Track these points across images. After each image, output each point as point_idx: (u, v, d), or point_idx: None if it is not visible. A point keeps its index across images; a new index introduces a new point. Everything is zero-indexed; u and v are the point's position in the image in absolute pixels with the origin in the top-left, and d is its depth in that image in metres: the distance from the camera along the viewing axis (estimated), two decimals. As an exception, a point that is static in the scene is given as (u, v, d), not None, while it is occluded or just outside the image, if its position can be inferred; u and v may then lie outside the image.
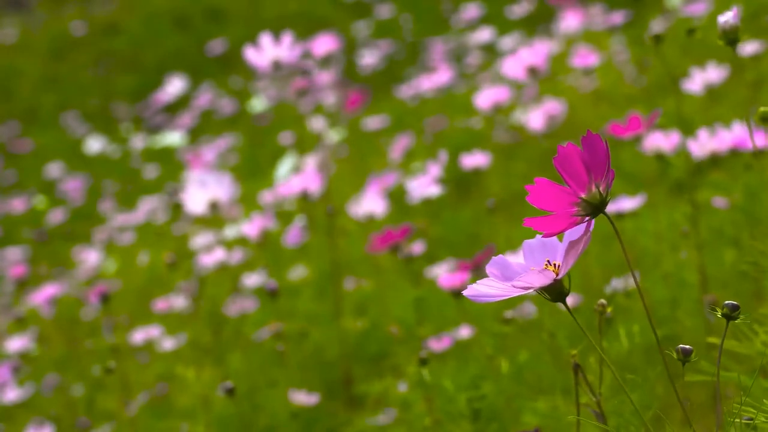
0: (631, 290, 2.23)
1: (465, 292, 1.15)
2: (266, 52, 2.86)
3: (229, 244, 4.14)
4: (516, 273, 1.16)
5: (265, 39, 2.87)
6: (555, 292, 1.16)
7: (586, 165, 1.11)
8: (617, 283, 2.26)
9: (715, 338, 1.61)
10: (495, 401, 1.97)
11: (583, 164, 1.11)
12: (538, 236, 1.17)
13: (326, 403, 2.92)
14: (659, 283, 2.40)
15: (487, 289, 1.15)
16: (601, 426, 1.39)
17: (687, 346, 1.22)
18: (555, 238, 1.16)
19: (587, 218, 1.14)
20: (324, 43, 3.63)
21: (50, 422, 3.22)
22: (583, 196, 1.13)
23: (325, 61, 3.49)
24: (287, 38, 2.87)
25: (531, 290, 1.14)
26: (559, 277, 1.15)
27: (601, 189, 1.13)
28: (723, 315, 1.20)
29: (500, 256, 1.18)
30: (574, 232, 1.14)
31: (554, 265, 1.16)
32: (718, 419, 1.19)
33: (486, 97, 3.73)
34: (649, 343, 1.90)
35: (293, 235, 3.97)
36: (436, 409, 1.99)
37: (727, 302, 1.21)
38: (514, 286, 1.14)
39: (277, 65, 2.85)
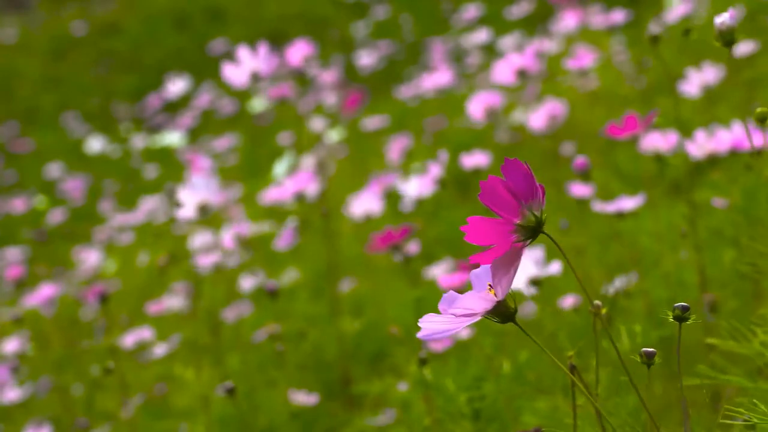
0: (632, 290, 2.23)
1: (420, 335, 1.15)
2: (245, 65, 2.83)
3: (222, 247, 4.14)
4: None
5: (243, 52, 2.84)
6: (500, 314, 1.16)
7: (512, 192, 1.12)
8: (617, 283, 2.26)
9: (714, 339, 1.61)
10: (495, 401, 1.97)
11: (508, 192, 1.12)
12: (483, 265, 1.18)
13: (325, 404, 2.92)
14: (659, 284, 2.40)
15: (437, 325, 1.15)
16: (599, 427, 1.39)
17: (651, 349, 1.23)
18: None
19: (528, 241, 1.14)
20: (299, 50, 3.58)
21: (49, 422, 3.22)
22: (517, 222, 1.14)
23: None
24: (263, 49, 2.84)
25: (477, 316, 1.14)
26: (499, 298, 1.15)
27: (534, 211, 1.13)
28: (675, 318, 1.21)
29: (450, 291, 1.18)
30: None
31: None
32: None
33: (478, 103, 3.72)
34: (649, 344, 1.90)
35: (285, 237, 3.97)
36: (436, 408, 1.99)
37: (677, 304, 1.22)
38: (456, 315, 1.14)
39: (255, 77, 2.83)
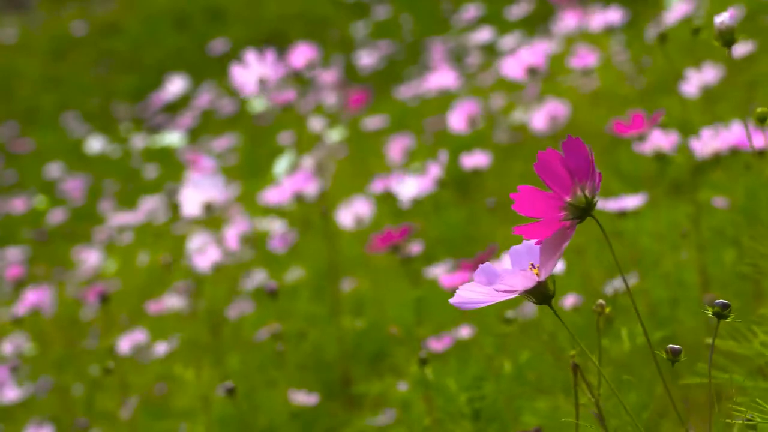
0: (632, 290, 2.23)
1: (452, 300, 1.15)
2: (253, 69, 2.84)
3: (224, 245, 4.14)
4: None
5: (251, 56, 2.84)
6: (539, 294, 1.15)
7: (569, 169, 1.11)
8: (618, 283, 2.26)
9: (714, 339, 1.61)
10: (495, 401, 1.97)
11: (565, 169, 1.11)
12: (525, 242, 1.17)
13: (325, 404, 2.92)
14: (659, 283, 2.40)
15: (472, 294, 1.15)
16: (599, 427, 1.38)
17: (676, 346, 1.22)
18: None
19: (576, 222, 1.13)
20: (302, 53, 3.58)
21: (49, 422, 3.22)
22: (568, 200, 1.13)
23: (309, 69, 3.44)
24: (270, 55, 2.84)
25: (515, 293, 1.14)
26: (541, 279, 1.14)
27: (587, 192, 1.13)
28: (714, 314, 1.20)
29: (487, 263, 1.17)
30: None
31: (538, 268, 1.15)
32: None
33: (460, 113, 3.72)
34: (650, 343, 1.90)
35: (278, 240, 3.97)
36: (436, 408, 1.99)
37: (718, 300, 1.21)
38: (497, 290, 1.13)
39: (263, 82, 2.83)
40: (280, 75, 2.83)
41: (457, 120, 3.72)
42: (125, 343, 3.56)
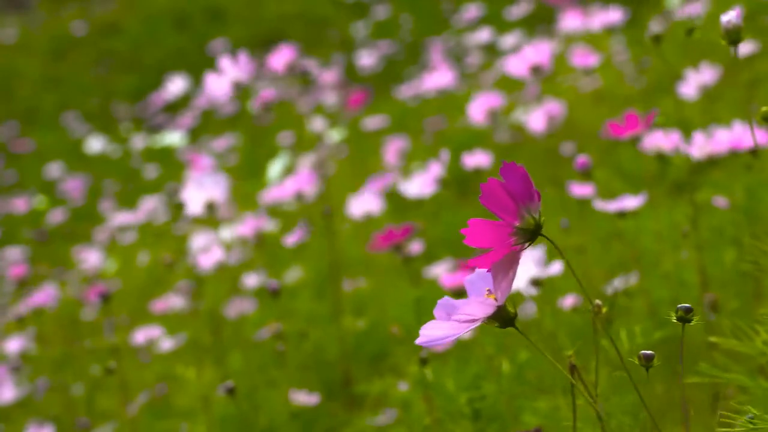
0: (632, 290, 2.24)
1: (418, 341, 1.15)
2: (227, 74, 2.84)
3: (227, 244, 4.14)
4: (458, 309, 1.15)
5: (225, 62, 2.85)
6: (500, 318, 1.16)
7: (511, 194, 1.12)
8: (618, 283, 2.26)
9: (716, 338, 1.61)
10: (496, 401, 1.97)
11: (507, 194, 1.12)
12: (477, 270, 1.18)
13: (326, 403, 2.92)
14: (660, 283, 2.40)
15: (438, 331, 1.15)
16: (599, 427, 1.39)
17: (649, 352, 1.22)
18: None
19: (527, 245, 1.14)
20: (282, 56, 3.57)
21: (50, 422, 3.22)
22: (517, 224, 1.14)
23: (290, 71, 3.43)
24: (243, 57, 2.85)
25: (478, 322, 1.14)
26: (500, 303, 1.14)
27: (532, 213, 1.13)
28: (678, 318, 1.21)
29: (445, 297, 1.18)
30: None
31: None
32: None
33: (479, 105, 3.71)
34: (650, 343, 1.90)
35: (296, 235, 3.97)
36: (436, 408, 1.99)
37: (680, 305, 1.22)
38: (458, 321, 1.14)
39: (237, 86, 2.84)
40: (252, 75, 2.83)
41: (476, 111, 3.72)
42: (140, 336, 3.57)
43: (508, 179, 1.12)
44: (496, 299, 1.15)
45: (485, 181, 1.13)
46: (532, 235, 1.14)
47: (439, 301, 1.17)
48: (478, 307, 1.14)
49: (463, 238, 1.14)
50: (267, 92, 3.49)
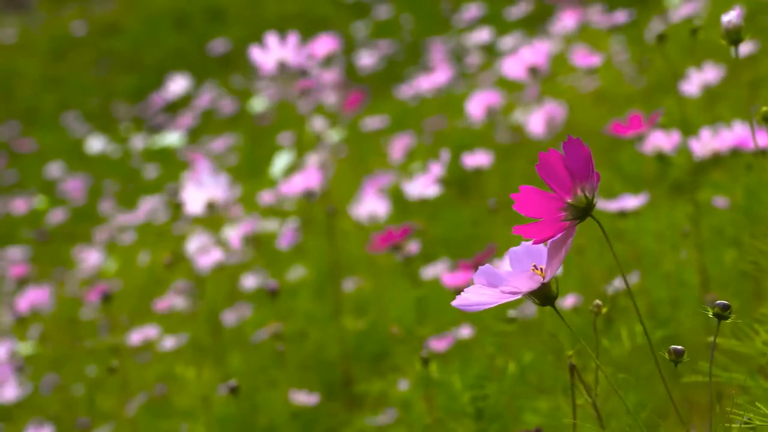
0: (633, 290, 2.23)
1: (454, 303, 1.15)
2: (272, 52, 2.85)
3: (225, 245, 4.15)
4: (503, 280, 1.15)
5: (271, 39, 2.86)
6: (542, 296, 1.16)
7: (569, 170, 1.12)
8: (618, 283, 2.26)
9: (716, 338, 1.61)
10: (497, 400, 1.97)
11: (566, 169, 1.12)
12: (523, 243, 1.18)
13: (326, 403, 2.92)
14: (660, 283, 2.40)
15: (476, 297, 1.15)
16: (598, 427, 1.39)
17: (679, 347, 1.22)
18: (540, 244, 1.16)
19: (576, 222, 1.14)
20: (324, 44, 3.61)
21: (50, 422, 3.22)
22: (569, 200, 1.13)
23: (327, 62, 3.46)
24: (293, 39, 2.86)
25: (519, 295, 1.14)
26: (546, 280, 1.14)
27: (586, 192, 1.13)
28: (714, 315, 1.21)
29: (487, 265, 1.17)
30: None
31: (540, 269, 1.16)
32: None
33: (478, 102, 3.71)
34: (651, 343, 1.90)
35: (287, 236, 3.97)
36: (437, 408, 1.99)
37: (719, 301, 1.21)
38: (502, 292, 1.13)
39: (282, 66, 2.84)
40: (301, 60, 2.84)
41: (475, 108, 3.72)
42: (136, 337, 3.57)
43: (570, 154, 1.11)
44: (543, 276, 1.14)
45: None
46: (582, 213, 1.14)
47: (480, 268, 1.16)
48: (525, 280, 1.13)
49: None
50: (305, 82, 3.50)
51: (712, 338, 1.62)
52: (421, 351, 1.96)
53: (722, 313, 1.20)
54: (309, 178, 3.18)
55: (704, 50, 3.96)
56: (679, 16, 3.84)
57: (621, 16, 4.03)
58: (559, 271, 2.19)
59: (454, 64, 7.15)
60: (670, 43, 2.50)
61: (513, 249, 1.19)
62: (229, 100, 8.63)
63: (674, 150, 2.41)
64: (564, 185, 1.13)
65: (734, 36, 1.52)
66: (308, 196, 3.18)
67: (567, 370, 1.40)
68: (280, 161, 5.05)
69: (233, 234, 3.55)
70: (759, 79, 3.51)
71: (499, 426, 1.95)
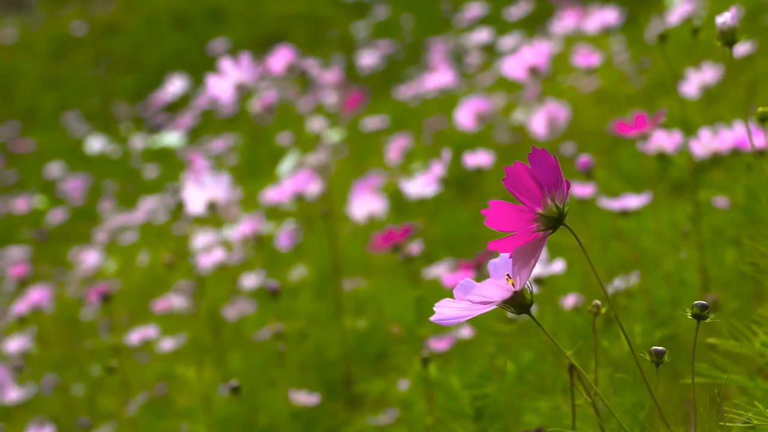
0: (633, 290, 2.23)
1: (433, 318, 1.14)
2: (229, 76, 2.85)
3: (228, 245, 4.15)
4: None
5: (226, 63, 2.86)
6: (517, 304, 1.15)
7: (537, 180, 1.12)
8: (618, 283, 2.26)
9: (715, 339, 1.61)
10: (498, 400, 1.97)
11: (533, 180, 1.12)
12: (502, 255, 1.18)
13: (326, 403, 2.92)
14: (660, 283, 2.40)
15: (451, 310, 1.14)
16: (598, 427, 1.39)
17: (660, 348, 1.22)
18: None
19: (549, 232, 1.14)
20: (281, 57, 3.56)
21: (50, 422, 3.22)
22: (540, 211, 1.13)
23: (289, 72, 3.43)
24: (245, 58, 2.87)
25: (492, 305, 1.13)
26: (517, 288, 1.14)
27: (557, 202, 1.13)
28: (693, 315, 1.21)
29: (466, 278, 1.17)
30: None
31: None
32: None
33: (467, 111, 3.70)
34: (651, 343, 1.90)
35: (284, 237, 3.97)
36: (437, 408, 1.99)
37: (697, 302, 1.21)
38: (472, 302, 1.13)
39: (240, 88, 2.85)
40: (256, 77, 2.84)
41: (464, 117, 3.71)
42: (135, 336, 3.57)
43: (537, 165, 1.11)
44: (513, 284, 1.14)
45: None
46: (554, 223, 1.14)
47: (459, 281, 1.16)
48: (494, 289, 1.13)
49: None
50: (269, 96, 3.48)
51: (712, 339, 1.62)
52: (422, 351, 1.96)
53: (701, 313, 1.20)
54: (300, 182, 3.18)
55: (705, 50, 3.96)
56: (678, 16, 3.83)
57: (618, 16, 4.02)
58: (561, 269, 2.18)
59: (454, 64, 7.15)
60: (670, 43, 2.50)
61: (492, 260, 1.20)
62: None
63: (676, 150, 2.42)
64: (533, 196, 1.12)
65: (729, 37, 1.52)
66: (301, 198, 3.18)
67: (566, 370, 1.40)
68: (288, 162, 5.05)
69: (235, 233, 3.55)
70: (758, 79, 3.51)
71: (499, 426, 1.95)
